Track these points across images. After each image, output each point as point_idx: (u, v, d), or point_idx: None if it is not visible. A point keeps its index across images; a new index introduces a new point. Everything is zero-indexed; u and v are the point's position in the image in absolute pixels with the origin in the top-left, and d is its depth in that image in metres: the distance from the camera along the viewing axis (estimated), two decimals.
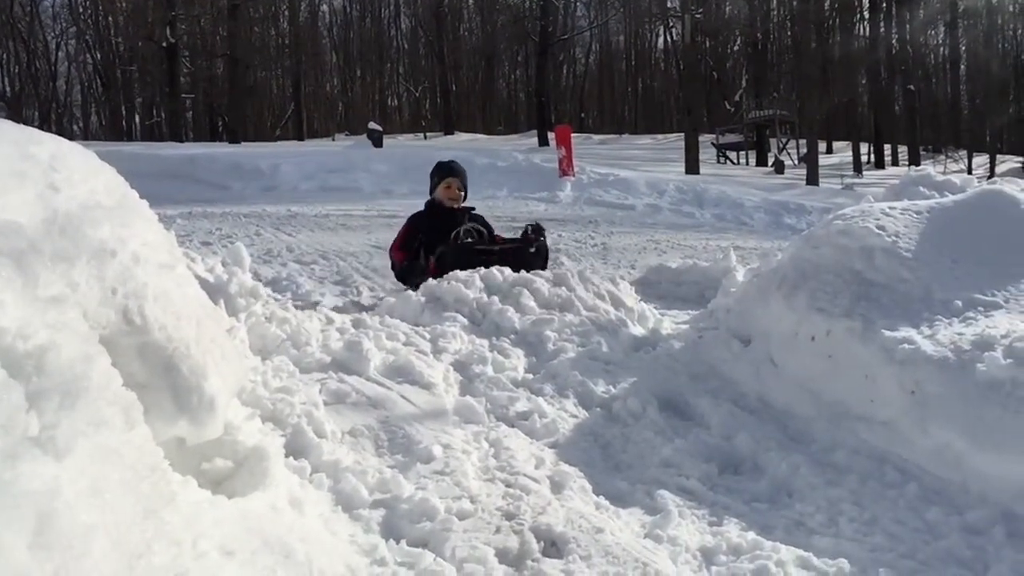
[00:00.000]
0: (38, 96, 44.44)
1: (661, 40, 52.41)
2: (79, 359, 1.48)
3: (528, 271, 4.71)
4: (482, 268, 4.65)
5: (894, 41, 36.55)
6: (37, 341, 1.42)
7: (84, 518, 1.28)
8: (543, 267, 5.15)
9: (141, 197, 2.40)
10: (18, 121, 2.27)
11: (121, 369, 1.62)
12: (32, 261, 1.61)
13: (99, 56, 44.02)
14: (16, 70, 43.38)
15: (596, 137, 39.11)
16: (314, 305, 4.66)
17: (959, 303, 3.24)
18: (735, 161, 34.79)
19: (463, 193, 5.68)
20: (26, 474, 1.24)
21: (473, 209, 5.74)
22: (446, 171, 5.69)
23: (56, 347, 1.44)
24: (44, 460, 1.28)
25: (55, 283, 1.64)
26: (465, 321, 4.33)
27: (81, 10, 41.38)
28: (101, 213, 1.96)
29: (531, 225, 5.45)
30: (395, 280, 5.93)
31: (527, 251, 5.18)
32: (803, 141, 28.42)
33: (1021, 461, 2.58)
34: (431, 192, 5.70)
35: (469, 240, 5.20)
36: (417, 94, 48.37)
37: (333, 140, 33.26)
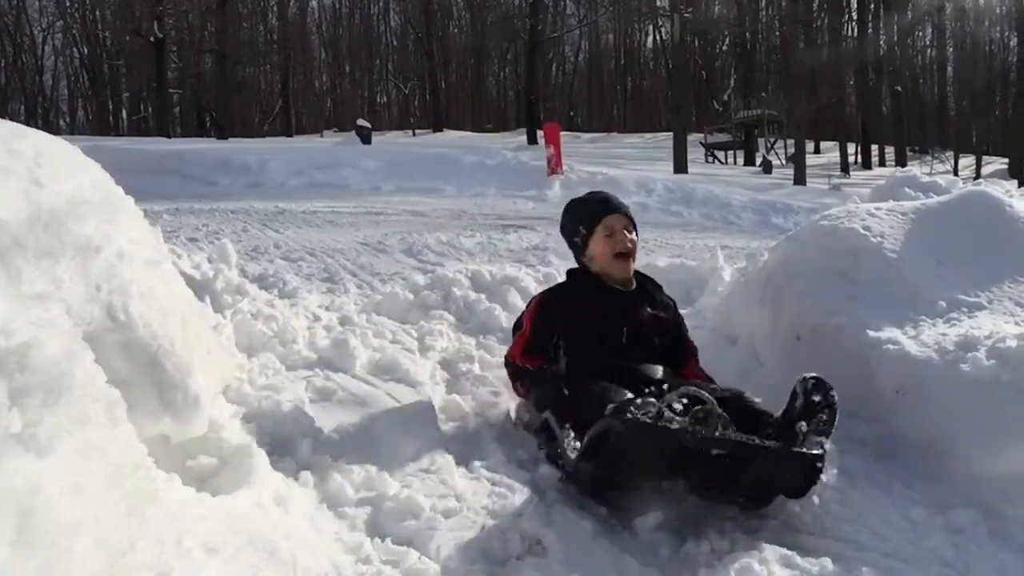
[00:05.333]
0: (24, 90, 44.16)
1: (650, 39, 52.52)
2: (63, 356, 1.47)
3: (767, 491, 2.51)
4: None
5: (882, 42, 36.70)
6: (20, 338, 1.41)
7: (67, 515, 1.28)
8: (805, 488, 2.47)
9: (127, 193, 2.39)
10: (3, 115, 2.26)
11: (105, 366, 1.61)
12: (15, 257, 1.60)
13: (86, 50, 43.80)
14: (2, 64, 43.06)
15: (585, 135, 39.15)
16: (301, 302, 4.64)
17: (943, 304, 3.26)
18: (723, 160, 34.89)
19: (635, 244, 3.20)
20: (8, 471, 1.23)
21: (651, 283, 3.32)
22: (605, 205, 3.25)
23: (39, 344, 1.44)
24: (27, 457, 1.27)
25: (39, 279, 1.64)
26: (452, 319, 4.33)
27: (68, 4, 41.08)
28: (86, 209, 1.95)
29: (809, 380, 2.54)
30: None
31: (788, 454, 2.38)
32: (791, 141, 28.51)
33: (1004, 461, 2.60)
34: (577, 249, 3.26)
35: (670, 422, 2.29)
36: (406, 91, 48.28)
37: (321, 137, 33.17)
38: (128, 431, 1.59)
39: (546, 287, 3.65)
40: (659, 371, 2.92)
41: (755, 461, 2.36)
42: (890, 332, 3.14)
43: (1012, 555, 2.34)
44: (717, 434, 2.32)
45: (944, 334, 3.06)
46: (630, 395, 2.52)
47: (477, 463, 2.80)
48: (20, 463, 1.26)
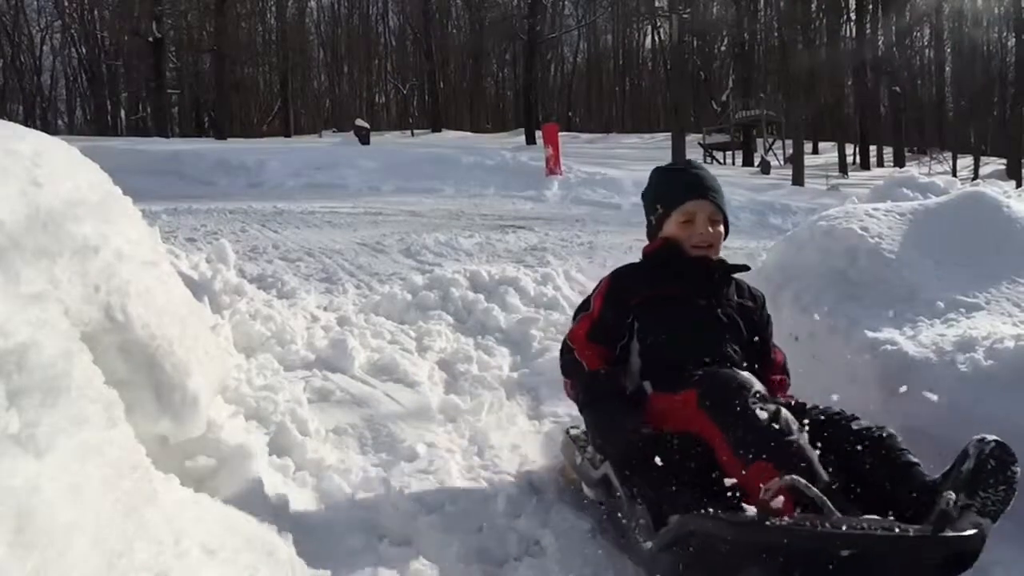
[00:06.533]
0: (22, 90, 44.11)
1: (649, 40, 52.60)
2: (60, 356, 1.47)
3: None
4: None
5: (880, 43, 36.75)
6: (18, 338, 1.41)
7: (64, 516, 1.28)
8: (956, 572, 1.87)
9: (125, 193, 2.39)
10: (1, 116, 2.26)
11: (103, 366, 1.61)
12: (13, 258, 1.60)
13: (84, 50, 43.75)
14: (0, 64, 43.02)
15: (583, 136, 39.10)
16: (299, 303, 4.64)
17: (941, 304, 3.26)
18: (722, 161, 34.86)
19: (724, 230, 2.60)
20: (6, 472, 1.23)
21: (741, 267, 2.67)
22: (691, 186, 2.60)
23: (37, 344, 1.43)
24: (24, 458, 1.27)
25: (36, 280, 1.63)
26: (450, 319, 4.34)
27: (66, 3, 41.06)
28: (84, 209, 1.95)
29: (988, 445, 1.94)
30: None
31: (940, 542, 1.74)
32: (789, 141, 28.51)
33: None
34: (653, 225, 2.68)
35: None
36: (405, 91, 48.21)
37: (320, 137, 33.14)
38: (126, 432, 1.59)
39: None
40: (757, 383, 2.20)
41: (895, 554, 1.79)
42: (888, 332, 3.14)
43: (1012, 555, 2.34)
44: (846, 528, 1.72)
45: (942, 334, 3.06)
46: (762, 414, 1.99)
47: (476, 463, 2.81)
48: (18, 463, 1.25)
